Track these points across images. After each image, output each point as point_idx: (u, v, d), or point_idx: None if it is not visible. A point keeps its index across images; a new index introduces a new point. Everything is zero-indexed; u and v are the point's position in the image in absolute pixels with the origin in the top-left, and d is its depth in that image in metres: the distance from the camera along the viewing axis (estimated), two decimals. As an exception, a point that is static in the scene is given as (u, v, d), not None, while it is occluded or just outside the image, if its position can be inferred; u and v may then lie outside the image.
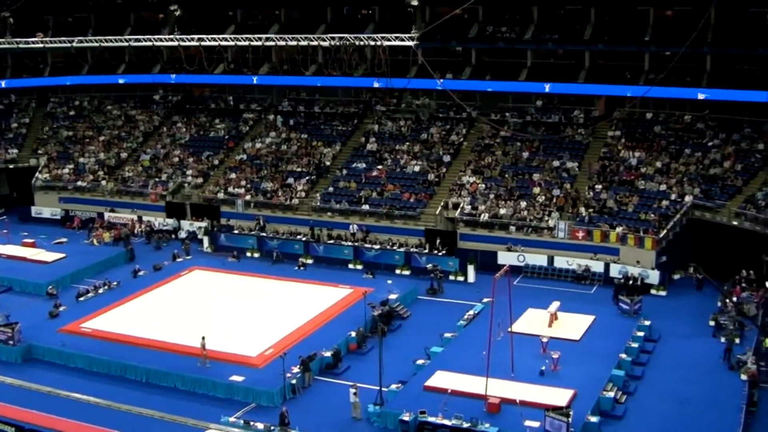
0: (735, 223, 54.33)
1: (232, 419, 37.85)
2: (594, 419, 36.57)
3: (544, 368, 41.10)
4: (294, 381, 41.29)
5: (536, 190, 61.75)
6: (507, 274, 41.01)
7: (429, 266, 57.30)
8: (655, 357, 44.33)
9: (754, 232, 52.44)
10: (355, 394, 38.93)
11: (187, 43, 66.19)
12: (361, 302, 48.33)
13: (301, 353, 43.13)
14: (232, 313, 50.52)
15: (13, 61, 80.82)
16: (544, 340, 43.43)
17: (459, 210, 61.19)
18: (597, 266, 55.96)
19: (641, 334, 45.83)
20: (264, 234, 63.85)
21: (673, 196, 57.81)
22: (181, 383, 42.22)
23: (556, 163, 63.90)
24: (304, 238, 62.57)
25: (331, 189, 66.49)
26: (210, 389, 41.62)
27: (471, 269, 57.18)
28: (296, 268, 59.62)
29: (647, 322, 47.27)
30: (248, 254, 62.90)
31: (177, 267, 59.72)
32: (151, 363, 43.46)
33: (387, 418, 37.77)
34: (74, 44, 70.06)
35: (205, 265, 60.27)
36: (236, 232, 64.98)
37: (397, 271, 58.84)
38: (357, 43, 60.54)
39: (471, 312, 49.40)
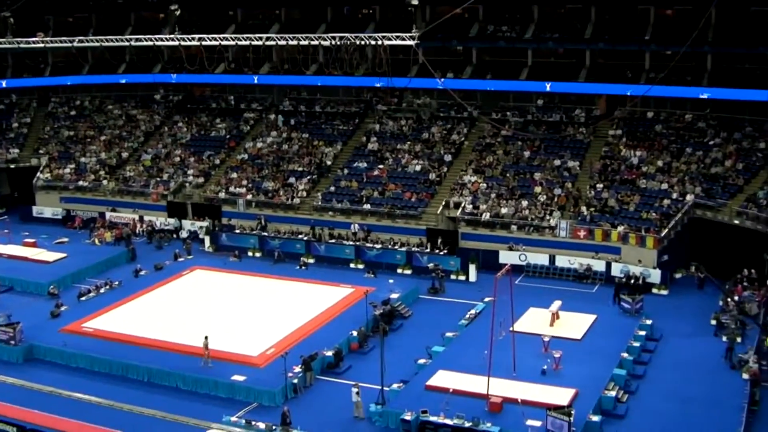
0: (736, 222, 54.32)
1: (233, 419, 37.86)
2: (596, 418, 36.59)
3: (545, 367, 41.13)
4: (295, 380, 41.29)
5: (537, 189, 61.74)
6: (508, 273, 40.99)
7: (430, 265, 57.30)
8: (656, 356, 44.34)
9: (755, 231, 52.42)
10: (357, 393, 38.94)
11: (188, 43, 66.08)
12: (362, 301, 48.39)
13: (303, 353, 43.14)
14: (234, 312, 50.52)
15: (13, 61, 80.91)
16: (546, 339, 43.44)
17: (460, 209, 61.19)
18: (598, 265, 55.95)
19: (643, 333, 45.84)
20: (265, 233, 63.86)
21: (674, 195, 57.81)
22: (183, 383, 42.23)
23: (557, 162, 63.90)
24: (305, 238, 62.57)
25: (332, 188, 66.51)
26: (212, 389, 41.64)
27: (472, 268, 57.16)
28: (298, 267, 59.63)
29: (649, 321, 47.27)
30: (249, 254, 62.93)
31: (178, 267, 59.72)
32: (152, 363, 43.47)
33: (389, 418, 37.79)
34: (75, 44, 69.92)
35: (207, 264, 60.25)
36: (237, 231, 64.99)
37: (399, 271, 58.85)
38: (358, 42, 60.40)
39: (472, 311, 49.40)
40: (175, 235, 67.40)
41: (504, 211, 60.26)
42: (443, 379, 40.15)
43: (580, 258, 56.63)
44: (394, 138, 70.58)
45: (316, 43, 63.60)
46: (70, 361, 45.15)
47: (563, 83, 65.88)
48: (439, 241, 59.62)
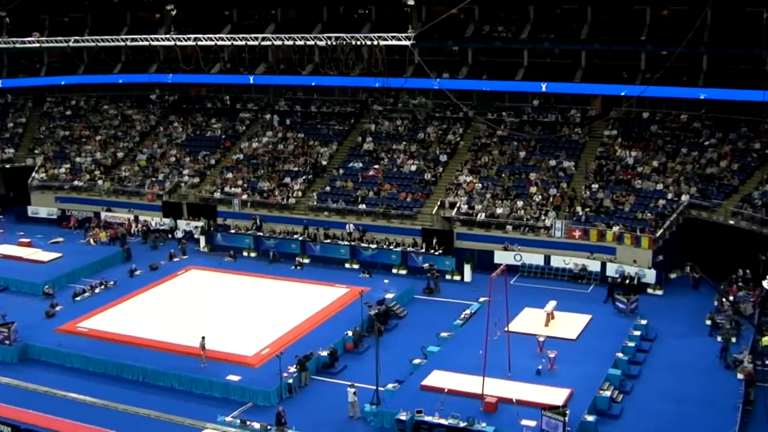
0: (731, 222, 54.35)
1: (228, 419, 37.87)
2: (591, 418, 36.58)
3: (540, 367, 41.17)
4: (291, 380, 41.30)
5: (533, 189, 61.76)
6: (504, 273, 40.97)
7: (426, 265, 57.30)
8: (651, 356, 44.37)
9: (750, 232, 52.47)
10: (354, 393, 38.93)
11: (184, 43, 66.09)
12: (357, 301, 48.35)
13: (298, 353, 43.15)
14: (229, 312, 50.49)
15: (9, 61, 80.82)
16: (541, 339, 43.48)
17: (456, 209, 61.19)
18: (594, 265, 55.99)
19: (638, 333, 45.90)
20: (261, 233, 63.86)
21: (669, 196, 57.85)
22: (178, 383, 42.21)
23: (552, 163, 63.93)
24: (300, 238, 62.55)
25: (327, 188, 66.48)
26: (207, 389, 41.62)
27: (467, 268, 57.21)
28: (293, 267, 59.63)
29: (644, 322, 47.33)
30: (245, 254, 62.92)
31: (173, 266, 59.69)
32: (147, 362, 43.45)
33: (384, 418, 37.79)
34: (70, 44, 69.89)
35: (202, 264, 60.22)
36: (233, 231, 64.98)
37: (394, 271, 58.86)
38: (353, 42, 60.45)
39: (468, 311, 49.48)
40: (170, 235, 67.39)
41: (499, 211, 60.28)
42: (438, 379, 40.17)
43: (576, 258, 56.68)
44: (389, 138, 70.58)
45: (311, 43, 63.66)
46: (65, 361, 45.11)
47: (559, 83, 65.90)
48: (435, 241, 59.62)
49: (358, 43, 60.79)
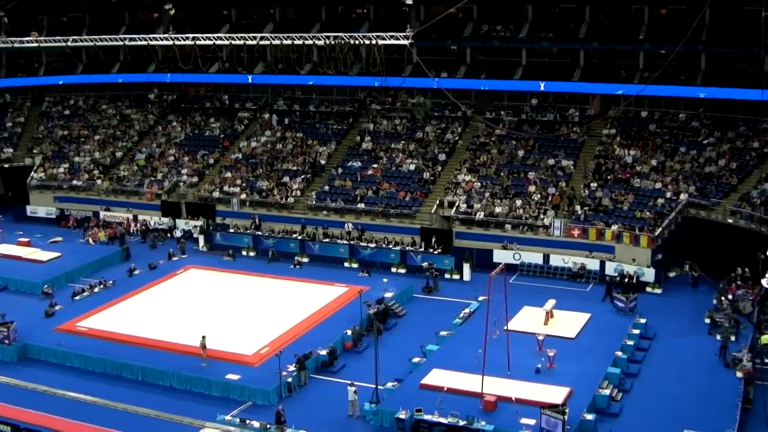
0: (730, 221, 54.44)
1: (228, 418, 37.86)
2: (590, 417, 36.63)
3: (540, 366, 41.22)
4: (290, 379, 41.33)
5: (532, 188, 61.79)
6: (502, 272, 41.00)
7: (425, 264, 57.30)
8: (650, 355, 44.43)
9: (749, 230, 52.55)
10: (355, 392, 38.95)
11: (182, 42, 66.15)
12: (356, 301, 48.36)
13: (297, 352, 43.15)
14: (228, 311, 50.50)
15: (7, 61, 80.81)
16: (540, 338, 43.55)
17: (454, 208, 61.22)
18: (592, 264, 56.01)
19: (637, 331, 45.94)
20: (259, 233, 63.86)
21: (668, 194, 57.90)
22: (177, 382, 42.23)
23: (551, 162, 63.97)
24: (299, 237, 62.55)
25: (326, 188, 66.49)
26: (206, 388, 41.64)
27: (466, 267, 57.24)
28: (292, 266, 59.64)
29: (643, 320, 47.39)
30: (244, 253, 62.91)
31: (172, 266, 59.66)
32: (147, 362, 43.45)
33: (383, 416, 37.82)
34: (69, 43, 69.90)
35: (201, 263, 60.21)
36: (232, 230, 64.97)
37: (393, 270, 58.89)
38: (352, 42, 60.53)
39: (467, 310, 49.51)
40: (169, 235, 67.38)
41: (498, 210, 60.30)
42: (437, 377, 40.21)
43: (574, 257, 56.70)
44: (388, 137, 70.59)
45: (310, 42, 63.73)
46: (64, 361, 45.11)
47: (557, 83, 66.00)
48: (434, 240, 59.63)
49: (357, 42, 60.87)
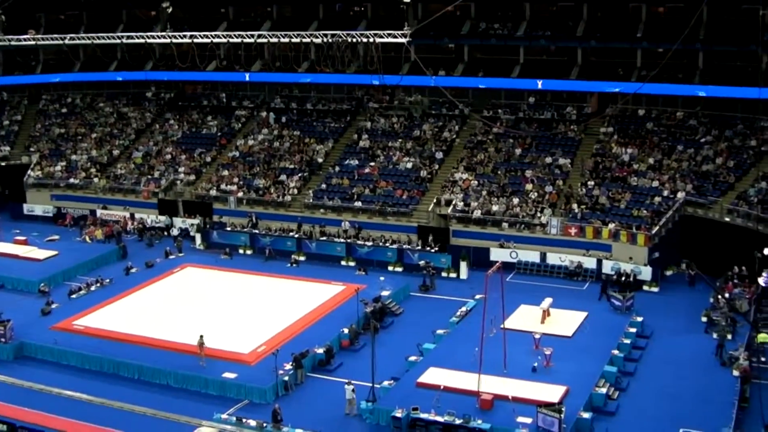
0: (727, 219, 54.48)
1: (224, 416, 37.84)
2: (586, 415, 36.64)
3: (536, 364, 41.20)
4: (286, 378, 41.30)
5: (529, 186, 61.78)
6: (499, 270, 41.03)
7: (421, 263, 57.25)
8: (647, 353, 44.44)
9: (746, 229, 52.59)
10: (353, 390, 38.94)
11: (180, 41, 66.03)
12: (353, 299, 48.41)
13: (294, 350, 43.12)
14: (225, 310, 50.47)
15: (4, 59, 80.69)
16: (537, 336, 43.55)
17: (451, 207, 61.21)
18: (589, 263, 56.03)
19: (633, 330, 45.92)
20: (256, 231, 63.81)
21: (665, 193, 57.91)
22: (174, 380, 42.19)
23: (548, 160, 63.96)
24: (296, 235, 62.52)
25: (323, 186, 66.47)
26: (203, 386, 41.61)
27: (463, 266, 57.23)
28: (289, 265, 59.59)
29: (639, 319, 47.41)
30: (241, 251, 62.89)
31: (169, 264, 59.67)
32: (143, 360, 43.42)
33: (379, 415, 37.80)
34: (66, 41, 69.76)
35: (198, 262, 60.20)
36: (228, 229, 64.90)
37: (390, 268, 58.88)
38: (349, 40, 60.43)
39: (463, 308, 49.46)
40: (166, 233, 67.34)
41: (495, 208, 60.30)
42: (434, 376, 40.19)
43: (571, 255, 56.70)
44: (385, 135, 70.57)
45: (307, 40, 63.58)
46: (60, 359, 45.08)
47: (555, 81, 66.10)
48: (431, 238, 59.61)
49: (354, 40, 60.76)
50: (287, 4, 76.35)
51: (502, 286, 41.68)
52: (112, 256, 61.71)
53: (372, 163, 67.58)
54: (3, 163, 76.63)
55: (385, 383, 40.28)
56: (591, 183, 60.72)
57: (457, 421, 35.98)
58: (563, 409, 35.20)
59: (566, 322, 46.63)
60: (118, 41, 69.36)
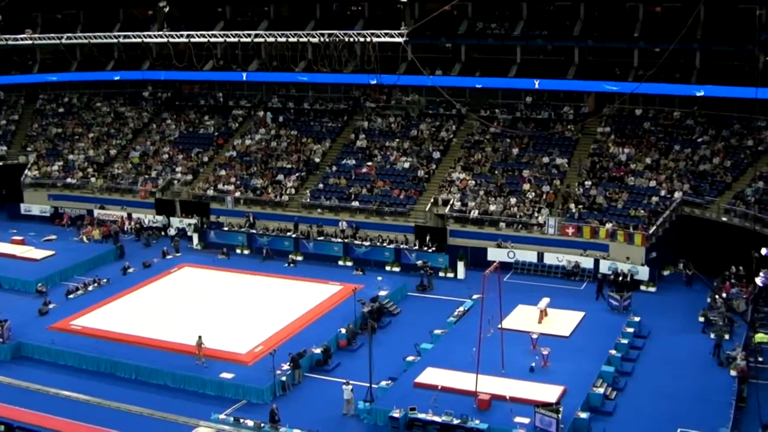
0: (724, 219, 54.51)
1: (222, 416, 37.80)
2: (584, 415, 36.64)
3: (534, 364, 41.19)
4: (284, 378, 41.28)
5: (526, 186, 61.79)
6: (497, 270, 41.05)
7: (419, 263, 57.27)
8: (644, 353, 44.44)
9: (743, 228, 52.57)
10: (351, 390, 38.92)
11: (176, 40, 65.80)
12: (350, 299, 48.28)
13: (291, 350, 43.12)
14: (222, 310, 50.44)
15: (1, 58, 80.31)
16: (534, 336, 43.55)
17: (449, 206, 61.21)
18: (587, 262, 56.05)
19: (631, 330, 45.95)
20: (254, 231, 63.78)
21: (662, 193, 57.94)
22: (171, 380, 42.16)
23: (545, 160, 63.97)
24: (293, 235, 62.49)
25: (320, 186, 66.46)
26: (200, 386, 41.57)
27: (461, 266, 57.23)
28: (286, 264, 59.57)
29: (637, 319, 47.43)
30: (238, 251, 62.85)
31: (166, 264, 59.64)
32: (141, 360, 43.38)
33: (377, 415, 37.79)
34: (63, 41, 69.47)
35: (195, 262, 60.17)
36: (226, 229, 64.84)
37: (387, 268, 58.87)
38: (346, 39, 60.34)
39: (461, 308, 49.44)
40: (163, 233, 67.26)
41: (492, 208, 60.30)
42: (432, 376, 40.19)
43: (569, 255, 56.72)
44: (382, 135, 70.57)
45: (304, 40, 63.39)
46: (58, 359, 45.03)
47: (552, 80, 66.21)
48: (428, 238, 59.59)
49: (351, 40, 60.67)
50: (284, 3, 76.39)
51: (500, 286, 41.74)
52: (109, 256, 61.66)
53: (369, 163, 67.56)
54: (0, 163, 76.48)
55: (383, 383, 40.27)
56: (588, 183, 60.73)
57: (455, 421, 36.00)
58: (561, 409, 35.26)
59: (564, 322, 46.65)
60: (115, 41, 69.11)
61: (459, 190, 62.47)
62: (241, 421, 37.18)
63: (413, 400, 37.53)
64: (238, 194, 67.08)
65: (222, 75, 75.15)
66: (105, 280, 55.81)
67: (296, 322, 48.27)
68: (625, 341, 44.33)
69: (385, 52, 63.14)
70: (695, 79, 61.66)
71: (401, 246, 59.70)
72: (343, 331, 46.57)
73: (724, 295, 48.86)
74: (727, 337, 44.57)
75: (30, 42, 70.33)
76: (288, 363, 42.01)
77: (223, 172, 69.99)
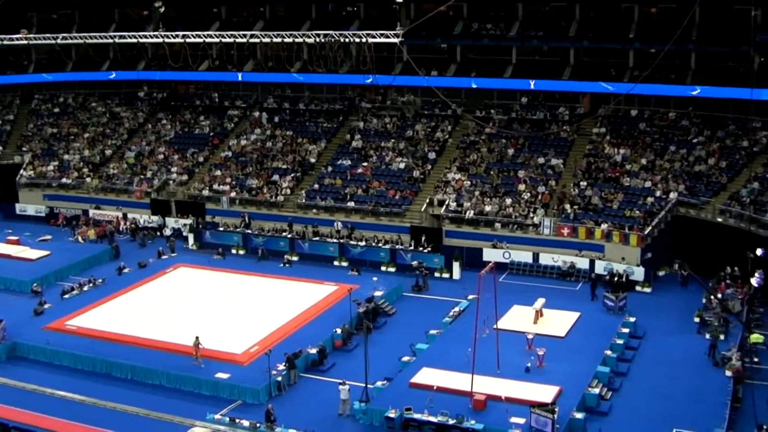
0: (720, 219, 54.57)
1: (217, 416, 37.81)
2: (579, 415, 36.69)
3: (529, 365, 41.27)
4: (279, 378, 41.29)
5: (521, 187, 61.80)
6: (492, 270, 41.02)
7: (414, 263, 57.25)
8: (640, 354, 44.48)
9: (738, 229, 52.66)
10: (348, 390, 38.92)
11: (172, 40, 66.00)
12: (346, 299, 48.26)
13: (287, 350, 43.10)
14: (218, 310, 50.41)
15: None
16: (530, 336, 43.60)
17: (444, 207, 61.20)
18: (582, 263, 56.05)
19: (626, 330, 46.01)
20: (249, 231, 63.74)
21: (658, 193, 57.99)
22: (167, 380, 42.16)
23: (541, 160, 63.99)
24: (289, 235, 62.47)
25: (316, 186, 66.44)
26: (195, 387, 41.59)
27: (456, 266, 57.24)
28: (281, 265, 59.54)
29: (632, 319, 47.48)
30: (233, 251, 62.80)
31: (162, 264, 59.56)
32: (136, 360, 43.38)
33: (372, 415, 37.82)
34: (58, 41, 69.74)
35: (190, 262, 60.12)
36: (221, 229, 64.80)
37: (383, 268, 58.86)
38: (342, 40, 60.46)
39: (456, 309, 49.51)
40: (158, 233, 67.20)
41: (488, 208, 60.31)
42: (427, 376, 40.23)
43: (564, 256, 56.74)
44: (378, 135, 70.56)
45: (300, 40, 63.62)
46: (53, 359, 45.01)
47: (547, 81, 66.18)
48: (423, 238, 59.60)
49: (347, 40, 60.79)
50: (280, 3, 76.29)
51: (495, 287, 41.68)
52: (104, 256, 61.61)
53: (365, 164, 67.55)
54: (-5, 163, 76.55)
55: (378, 383, 40.33)
56: (583, 183, 60.77)
57: (450, 422, 36.04)
58: (556, 409, 35.25)
59: (559, 322, 46.70)
60: (111, 41, 69.33)
61: (454, 191, 62.47)
62: (237, 421, 37.16)
63: (409, 401, 37.55)
64: (233, 194, 67.03)
65: (217, 75, 75.11)
66: (100, 281, 55.75)
67: (292, 322, 48.27)
68: (620, 342, 44.39)
69: (381, 53, 63.42)
70: (690, 79, 61.67)
71: (397, 246, 59.68)
72: (339, 331, 46.58)
73: (719, 295, 48.97)
74: (722, 337, 44.61)
75: (25, 42, 70.50)
76: (283, 363, 42.02)
77: (218, 173, 69.95)
